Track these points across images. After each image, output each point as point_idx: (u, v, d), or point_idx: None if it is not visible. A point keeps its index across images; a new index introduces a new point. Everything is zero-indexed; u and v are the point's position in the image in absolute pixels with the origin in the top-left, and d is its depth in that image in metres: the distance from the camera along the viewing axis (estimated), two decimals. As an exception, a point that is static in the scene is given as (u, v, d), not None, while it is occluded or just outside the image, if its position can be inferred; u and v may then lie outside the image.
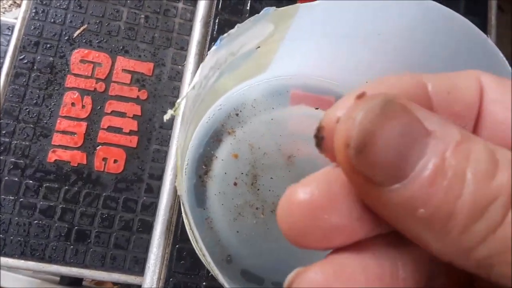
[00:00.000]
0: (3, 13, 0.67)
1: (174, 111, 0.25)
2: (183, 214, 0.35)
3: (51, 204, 0.40)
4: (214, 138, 0.37)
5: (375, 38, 0.30)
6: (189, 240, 0.38)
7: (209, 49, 0.27)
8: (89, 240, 0.40)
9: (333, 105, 0.13)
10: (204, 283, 0.39)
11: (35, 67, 0.43)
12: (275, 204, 0.36)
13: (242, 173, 0.37)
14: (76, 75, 0.43)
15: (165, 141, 0.43)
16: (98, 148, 0.42)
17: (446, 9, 0.26)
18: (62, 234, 0.40)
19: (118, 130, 0.43)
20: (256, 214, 0.36)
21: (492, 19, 0.45)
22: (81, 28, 0.44)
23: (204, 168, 0.37)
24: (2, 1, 0.68)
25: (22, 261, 0.39)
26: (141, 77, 0.44)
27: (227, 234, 0.36)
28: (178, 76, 0.45)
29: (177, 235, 0.39)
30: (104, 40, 0.44)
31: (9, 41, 0.43)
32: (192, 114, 0.30)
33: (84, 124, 0.42)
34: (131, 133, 0.43)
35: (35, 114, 0.42)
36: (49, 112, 0.42)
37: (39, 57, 0.43)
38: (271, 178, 0.37)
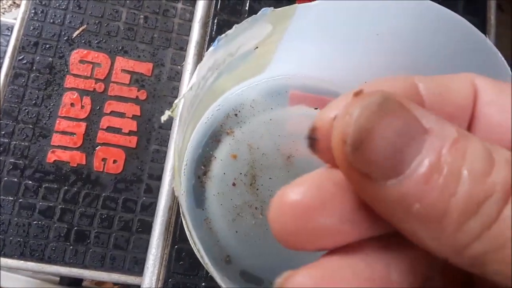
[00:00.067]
0: (3, 13, 0.67)
1: (171, 112, 0.25)
2: (181, 215, 0.35)
3: (51, 204, 0.40)
4: (213, 139, 0.37)
5: (373, 38, 0.30)
6: (188, 240, 0.38)
7: (207, 49, 0.26)
8: (88, 241, 0.40)
9: (326, 106, 0.13)
10: (203, 284, 0.39)
11: (34, 68, 0.43)
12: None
13: (241, 174, 0.37)
14: (75, 75, 0.43)
15: (165, 142, 0.43)
16: (97, 148, 0.42)
17: (444, 9, 0.26)
18: (62, 235, 0.40)
19: (117, 131, 0.43)
20: (255, 215, 0.36)
21: (491, 19, 0.45)
22: (80, 29, 0.44)
23: (203, 169, 0.37)
24: (2, 1, 0.68)
25: (22, 261, 0.39)
26: (140, 78, 0.44)
27: (226, 235, 0.36)
28: (177, 77, 0.45)
29: (176, 235, 0.39)
30: (103, 41, 0.44)
31: (8, 42, 0.43)
32: (190, 115, 0.30)
33: (83, 125, 0.42)
34: (130, 133, 0.43)
35: (34, 115, 0.42)
36: (48, 113, 0.42)
37: (38, 58, 0.43)
38: (270, 178, 0.37)
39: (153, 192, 0.42)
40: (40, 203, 0.40)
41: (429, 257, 0.12)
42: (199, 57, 0.43)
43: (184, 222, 0.29)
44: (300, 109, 0.38)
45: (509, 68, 0.26)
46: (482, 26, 0.44)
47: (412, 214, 0.10)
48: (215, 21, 0.44)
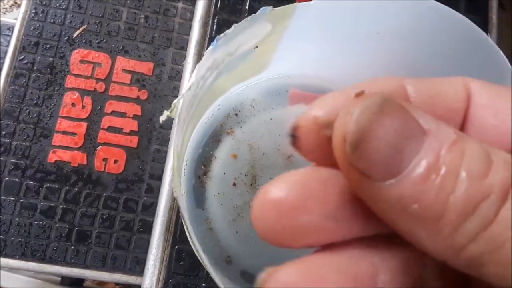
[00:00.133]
0: (4, 13, 0.67)
1: (170, 112, 0.25)
2: (180, 215, 0.35)
3: (52, 204, 0.40)
4: (213, 139, 0.37)
5: (374, 37, 0.30)
6: (188, 241, 0.38)
7: (207, 49, 0.26)
8: (89, 241, 0.40)
9: (309, 105, 0.13)
10: (203, 284, 0.38)
11: (35, 68, 0.43)
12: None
13: (241, 174, 0.37)
14: (76, 75, 0.43)
15: (166, 141, 0.43)
16: (98, 148, 0.42)
17: (446, 8, 0.26)
18: (63, 235, 0.40)
19: (118, 130, 0.43)
20: (256, 215, 0.36)
21: (493, 18, 0.44)
22: (81, 28, 0.44)
23: (203, 169, 0.37)
24: (3, 1, 0.68)
25: (23, 261, 0.39)
26: (141, 77, 0.44)
27: (226, 235, 0.36)
28: (178, 76, 0.44)
29: (177, 236, 0.39)
30: (104, 40, 0.44)
31: (9, 42, 0.43)
32: (189, 114, 0.30)
33: (84, 125, 0.42)
34: (131, 133, 0.43)
35: (35, 115, 0.42)
36: (49, 113, 0.42)
37: (39, 58, 0.43)
38: (271, 178, 0.37)
39: (154, 192, 0.42)
40: (41, 203, 0.40)
41: (424, 258, 0.12)
42: (199, 57, 0.43)
43: (184, 222, 0.29)
44: (300, 108, 0.38)
45: (510, 67, 0.25)
46: (483, 25, 0.44)
47: (409, 214, 0.10)
48: (215, 20, 0.44)
